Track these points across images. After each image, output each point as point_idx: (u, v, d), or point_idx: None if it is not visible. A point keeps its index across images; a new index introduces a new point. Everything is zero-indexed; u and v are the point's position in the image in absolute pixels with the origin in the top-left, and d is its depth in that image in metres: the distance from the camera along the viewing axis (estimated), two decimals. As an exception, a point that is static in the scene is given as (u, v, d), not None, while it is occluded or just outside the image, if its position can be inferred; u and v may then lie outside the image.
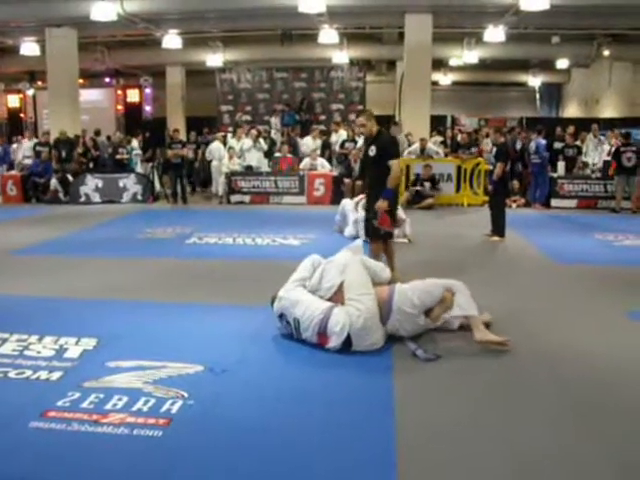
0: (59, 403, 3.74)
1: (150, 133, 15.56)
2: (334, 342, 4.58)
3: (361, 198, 9.86)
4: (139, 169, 15.72)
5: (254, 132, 15.88)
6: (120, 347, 4.71)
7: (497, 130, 10.59)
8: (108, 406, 3.71)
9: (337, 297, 4.83)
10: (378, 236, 6.53)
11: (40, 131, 18.57)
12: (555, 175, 13.64)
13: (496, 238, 9.47)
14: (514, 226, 10.03)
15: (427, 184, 13.27)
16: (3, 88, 23.26)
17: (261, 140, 15.88)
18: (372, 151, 6.37)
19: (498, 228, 9.52)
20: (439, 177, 13.64)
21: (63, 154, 15.07)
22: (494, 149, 10.57)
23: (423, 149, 14.20)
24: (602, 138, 15.73)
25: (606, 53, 20.54)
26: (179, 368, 4.27)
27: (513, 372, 4.33)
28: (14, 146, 17.69)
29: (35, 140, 16.68)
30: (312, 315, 4.67)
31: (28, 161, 16.07)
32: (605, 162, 14.23)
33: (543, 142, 13.47)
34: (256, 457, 3.20)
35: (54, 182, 14.56)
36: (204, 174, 16.36)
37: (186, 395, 3.85)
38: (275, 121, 19.63)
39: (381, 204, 6.33)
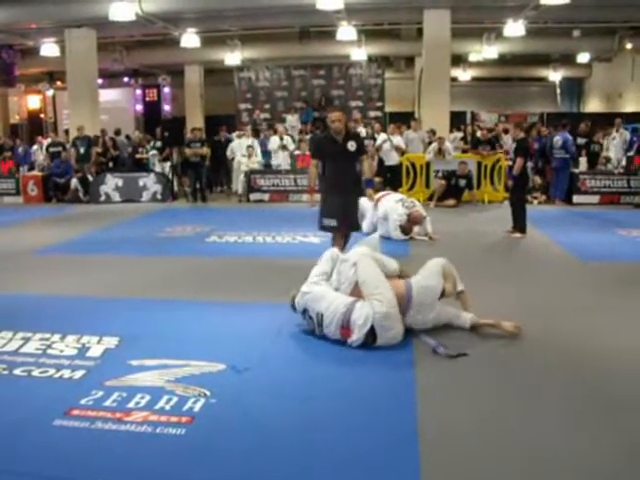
0: (82, 401, 3.75)
1: (169, 132, 15.58)
2: (356, 335, 4.57)
3: (382, 195, 9.78)
4: (157, 169, 15.77)
5: (282, 129, 15.90)
6: (142, 346, 4.71)
7: (517, 125, 10.46)
8: (131, 404, 3.71)
9: (357, 292, 4.84)
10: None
11: (60, 132, 18.71)
12: (577, 171, 13.46)
13: (517, 234, 9.39)
14: (535, 222, 9.94)
15: (463, 181, 13.13)
16: (23, 89, 23.45)
17: (288, 138, 15.84)
18: (352, 147, 6.50)
19: (519, 224, 9.44)
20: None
21: (81, 151, 15.14)
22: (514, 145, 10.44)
23: (440, 148, 14.06)
24: (625, 132, 15.49)
25: (628, 46, 20.19)
26: (201, 366, 4.26)
27: (535, 368, 4.28)
28: (34, 147, 17.85)
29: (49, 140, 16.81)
30: (336, 309, 4.68)
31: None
32: (628, 157, 14.03)
33: (570, 137, 13.21)
34: (278, 455, 3.18)
35: (74, 182, 14.66)
36: (213, 174, 16.35)
37: (208, 393, 3.84)
38: (292, 119, 19.61)
39: (372, 193, 7.00)
